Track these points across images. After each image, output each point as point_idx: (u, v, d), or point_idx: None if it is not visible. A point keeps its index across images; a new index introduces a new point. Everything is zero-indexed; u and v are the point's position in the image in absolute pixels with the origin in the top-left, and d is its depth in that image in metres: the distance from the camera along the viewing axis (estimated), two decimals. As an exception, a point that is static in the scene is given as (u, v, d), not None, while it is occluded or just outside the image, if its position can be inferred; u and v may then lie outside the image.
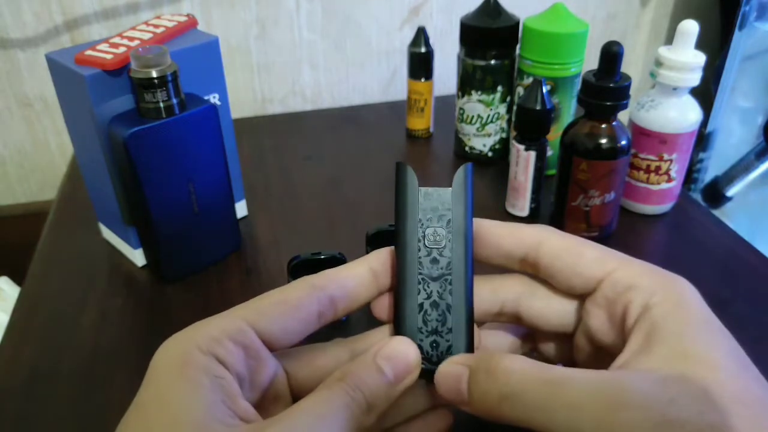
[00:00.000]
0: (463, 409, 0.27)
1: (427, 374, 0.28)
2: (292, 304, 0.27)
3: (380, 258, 0.29)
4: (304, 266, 0.40)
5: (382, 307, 0.30)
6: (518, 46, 0.59)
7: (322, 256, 0.40)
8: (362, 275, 0.29)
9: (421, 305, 0.28)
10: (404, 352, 0.27)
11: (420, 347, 0.28)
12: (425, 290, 0.28)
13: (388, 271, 0.29)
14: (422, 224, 0.29)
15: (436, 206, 0.29)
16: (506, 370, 0.25)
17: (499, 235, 0.30)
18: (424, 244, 0.29)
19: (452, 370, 0.27)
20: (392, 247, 0.29)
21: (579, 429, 0.22)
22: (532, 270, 0.30)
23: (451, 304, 0.28)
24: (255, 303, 0.27)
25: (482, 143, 0.63)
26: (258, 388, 0.26)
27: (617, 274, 0.28)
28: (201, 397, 0.22)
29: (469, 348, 0.28)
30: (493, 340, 0.33)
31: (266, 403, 0.27)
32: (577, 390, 0.23)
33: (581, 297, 0.30)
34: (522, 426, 0.24)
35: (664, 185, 0.54)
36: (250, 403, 0.25)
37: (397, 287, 0.29)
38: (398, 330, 0.28)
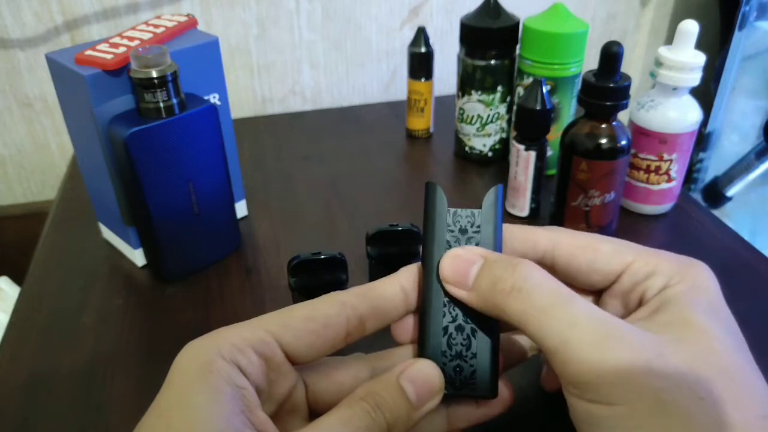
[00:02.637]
0: (454, 294, 0.27)
1: (448, 399, 0.27)
2: (320, 321, 0.26)
3: (410, 276, 0.28)
4: (304, 266, 0.40)
5: (402, 331, 0.29)
6: (518, 46, 0.59)
7: (322, 256, 0.40)
8: (394, 295, 0.28)
9: (446, 328, 0.27)
10: (429, 375, 0.26)
11: (443, 371, 0.27)
12: (451, 313, 0.28)
13: (416, 290, 0.28)
14: (450, 245, 0.28)
15: (465, 227, 0.28)
16: (528, 267, 0.26)
17: (512, 240, 0.30)
18: None
19: (466, 254, 0.27)
20: (419, 264, 0.29)
21: (567, 341, 0.23)
22: (549, 272, 0.30)
23: (476, 328, 0.27)
24: (282, 315, 0.26)
25: (482, 143, 0.63)
26: (276, 401, 0.26)
27: (636, 265, 0.28)
28: (222, 406, 0.22)
29: (494, 374, 0.27)
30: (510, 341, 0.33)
31: (282, 414, 0.27)
32: (582, 309, 0.24)
33: (599, 293, 0.30)
34: (510, 323, 0.25)
35: (664, 185, 0.54)
36: (267, 415, 0.24)
37: (423, 308, 0.28)
38: (422, 352, 0.27)
